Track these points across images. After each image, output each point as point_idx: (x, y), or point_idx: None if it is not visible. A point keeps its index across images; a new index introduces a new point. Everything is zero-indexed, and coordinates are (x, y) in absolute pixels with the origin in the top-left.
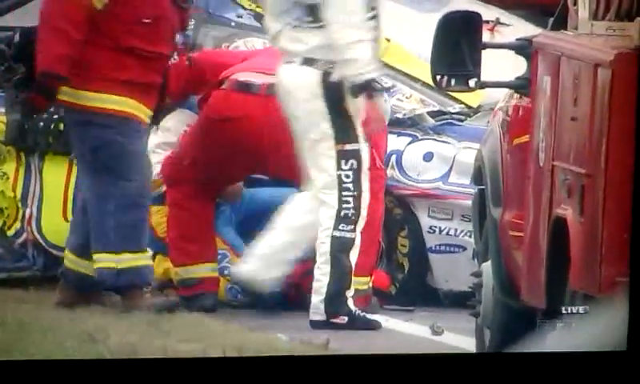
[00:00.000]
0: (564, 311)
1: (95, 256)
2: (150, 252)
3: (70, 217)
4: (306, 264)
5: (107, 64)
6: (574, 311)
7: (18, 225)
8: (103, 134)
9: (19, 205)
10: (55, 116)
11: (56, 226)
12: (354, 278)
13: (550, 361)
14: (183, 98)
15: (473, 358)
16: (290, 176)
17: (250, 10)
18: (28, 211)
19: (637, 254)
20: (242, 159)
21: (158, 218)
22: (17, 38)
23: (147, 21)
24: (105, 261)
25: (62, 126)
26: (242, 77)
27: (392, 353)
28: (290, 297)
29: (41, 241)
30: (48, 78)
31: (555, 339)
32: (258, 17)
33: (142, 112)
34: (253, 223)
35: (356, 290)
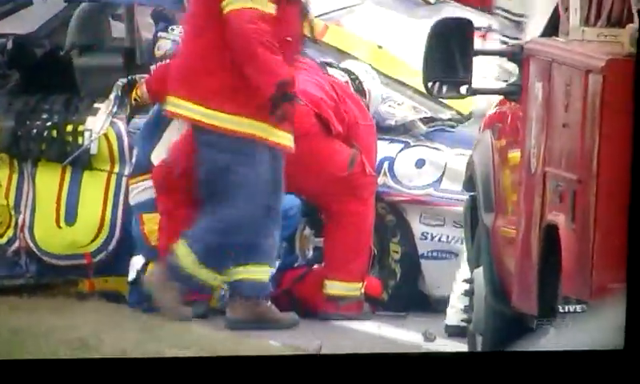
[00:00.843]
0: (561, 310)
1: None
2: (270, 267)
3: (62, 224)
4: (297, 270)
5: (243, 86)
6: (570, 310)
7: (10, 232)
8: (229, 156)
9: (12, 212)
10: (48, 123)
11: (49, 233)
12: (345, 285)
13: (547, 359)
14: (163, 99)
15: (470, 357)
16: (287, 186)
17: None
18: (21, 218)
19: (633, 252)
20: None
21: (151, 226)
22: (9, 45)
23: (289, 39)
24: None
25: (54, 133)
26: None
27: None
28: (281, 303)
29: (34, 248)
30: (285, 85)
31: (552, 338)
32: None
33: (274, 135)
34: None
35: (347, 297)
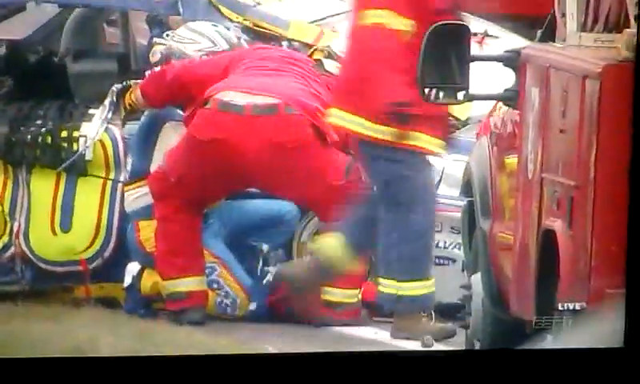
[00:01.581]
0: (560, 307)
1: (380, 280)
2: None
3: (57, 230)
4: None
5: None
6: (569, 307)
7: (5, 238)
8: (394, 168)
9: (7, 218)
10: (43, 129)
11: (44, 240)
12: (342, 291)
13: (547, 357)
14: (161, 106)
15: (470, 355)
16: (278, 193)
17: (238, 22)
18: (16, 224)
19: (633, 252)
20: (228, 179)
21: (147, 232)
22: (3, 50)
23: None
24: (387, 287)
25: (49, 139)
26: (227, 97)
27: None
28: (277, 310)
29: (29, 254)
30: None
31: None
32: (246, 30)
33: (433, 144)
34: (241, 235)
35: (345, 304)
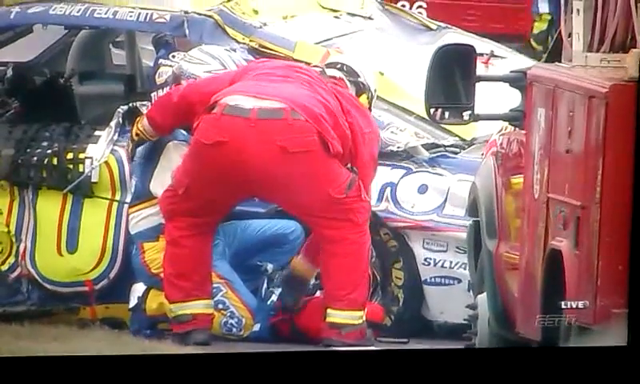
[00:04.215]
0: (563, 306)
1: None
2: None
3: (63, 251)
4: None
5: None
6: (573, 306)
7: (12, 259)
8: None
9: (13, 239)
10: (49, 150)
11: (50, 261)
12: (346, 313)
13: (550, 355)
14: (169, 131)
15: (474, 353)
16: (279, 201)
17: (244, 43)
18: (22, 246)
19: (635, 252)
20: (232, 184)
21: (151, 254)
22: (9, 72)
23: None
24: None
25: (55, 161)
26: (232, 101)
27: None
28: (282, 331)
29: (35, 275)
30: None
31: None
32: (252, 51)
33: None
34: (246, 256)
35: (350, 325)
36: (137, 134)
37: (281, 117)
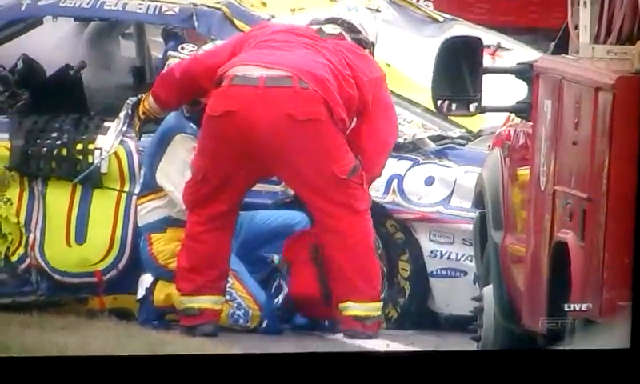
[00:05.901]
0: (567, 308)
1: None
2: None
3: (72, 242)
4: None
5: None
6: (576, 308)
7: (21, 250)
8: None
9: (23, 230)
10: (58, 141)
11: (59, 252)
12: (367, 306)
13: (552, 358)
14: (175, 106)
15: (476, 355)
16: (285, 174)
17: None
18: (31, 236)
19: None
20: (245, 155)
21: (159, 245)
22: (20, 64)
23: None
24: None
25: (64, 152)
26: (240, 71)
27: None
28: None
29: (44, 266)
30: None
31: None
32: None
33: None
34: (252, 247)
35: (371, 317)
36: (143, 113)
37: (289, 85)
